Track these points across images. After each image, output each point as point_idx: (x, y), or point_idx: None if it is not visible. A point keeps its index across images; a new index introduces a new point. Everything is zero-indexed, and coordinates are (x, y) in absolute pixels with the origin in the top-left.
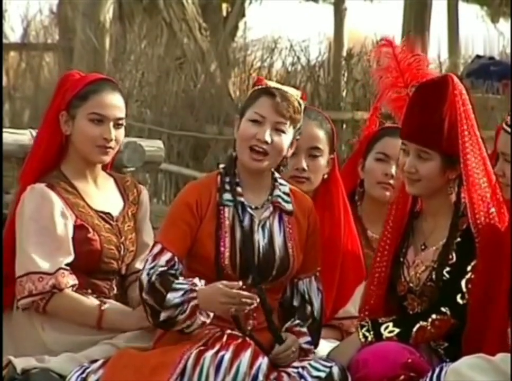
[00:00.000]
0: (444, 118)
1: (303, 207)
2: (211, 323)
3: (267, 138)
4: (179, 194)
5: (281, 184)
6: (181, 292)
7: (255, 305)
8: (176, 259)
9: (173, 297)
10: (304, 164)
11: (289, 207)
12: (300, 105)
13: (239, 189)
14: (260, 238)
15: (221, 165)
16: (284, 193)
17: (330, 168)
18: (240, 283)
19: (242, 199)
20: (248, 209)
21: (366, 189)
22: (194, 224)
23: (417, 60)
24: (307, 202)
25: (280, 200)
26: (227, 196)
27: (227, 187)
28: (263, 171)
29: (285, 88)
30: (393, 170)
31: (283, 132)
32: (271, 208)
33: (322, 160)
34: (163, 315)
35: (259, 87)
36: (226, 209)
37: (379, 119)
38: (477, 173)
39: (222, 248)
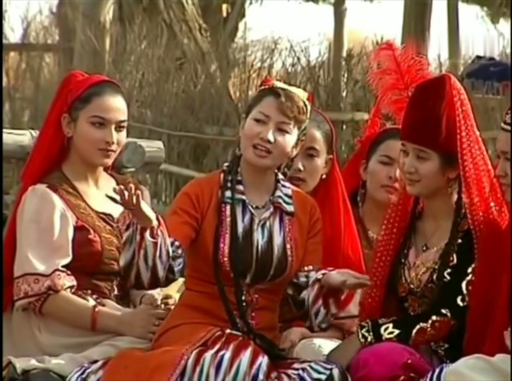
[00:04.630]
0: (441, 116)
1: (305, 205)
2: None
3: (270, 137)
4: (182, 189)
5: (283, 186)
6: (129, 229)
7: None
8: (176, 243)
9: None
10: (300, 165)
11: (290, 208)
12: (305, 105)
13: (240, 187)
14: (259, 238)
15: (226, 164)
16: (286, 195)
17: (328, 169)
18: None
19: (244, 197)
20: (249, 208)
21: (369, 191)
22: (195, 214)
23: (416, 62)
24: (309, 201)
25: (280, 201)
26: (228, 193)
27: (229, 184)
28: (266, 168)
29: (291, 88)
30: (397, 173)
31: (287, 132)
32: (272, 209)
33: (319, 161)
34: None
35: (266, 86)
36: (228, 207)
37: (381, 120)
38: (476, 174)
39: (222, 245)
